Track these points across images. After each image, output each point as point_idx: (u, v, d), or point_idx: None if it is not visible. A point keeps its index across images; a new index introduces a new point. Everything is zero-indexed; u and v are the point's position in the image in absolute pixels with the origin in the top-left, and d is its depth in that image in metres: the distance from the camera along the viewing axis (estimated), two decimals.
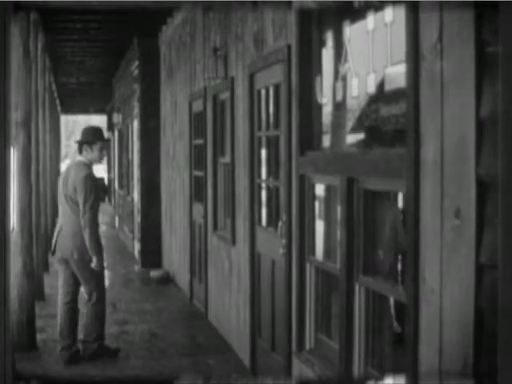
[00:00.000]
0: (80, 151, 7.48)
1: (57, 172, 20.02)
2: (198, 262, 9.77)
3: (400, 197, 3.99)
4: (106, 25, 12.69)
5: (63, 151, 43.14)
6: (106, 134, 21.12)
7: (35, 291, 8.49)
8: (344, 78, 4.61)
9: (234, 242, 7.55)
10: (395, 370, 3.93)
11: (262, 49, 6.32)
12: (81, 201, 7.15)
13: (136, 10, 10.77)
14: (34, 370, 6.94)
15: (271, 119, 6.40)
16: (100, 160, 7.60)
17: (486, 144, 2.75)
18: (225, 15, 7.88)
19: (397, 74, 3.75)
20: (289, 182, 5.53)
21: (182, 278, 11.10)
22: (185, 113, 10.63)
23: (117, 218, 20.65)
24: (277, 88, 6.06)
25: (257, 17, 6.47)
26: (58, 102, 25.75)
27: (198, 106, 9.60)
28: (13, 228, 7.54)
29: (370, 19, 4.16)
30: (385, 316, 4.27)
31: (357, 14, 4.34)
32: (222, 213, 8.44)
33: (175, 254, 11.88)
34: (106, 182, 29.80)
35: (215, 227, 8.69)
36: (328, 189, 5.07)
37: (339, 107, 4.73)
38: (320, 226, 5.18)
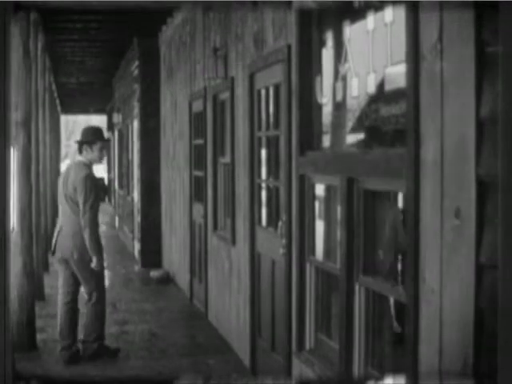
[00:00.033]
0: (80, 151, 7.48)
1: (57, 172, 20.02)
2: (198, 262, 9.77)
3: (400, 197, 3.99)
4: (106, 25, 12.69)
5: (63, 151, 43.15)
6: (106, 134, 21.12)
7: (35, 291, 8.49)
8: (344, 78, 4.61)
9: (234, 241, 7.55)
10: (395, 370, 3.93)
11: (262, 49, 6.32)
12: (81, 201, 7.15)
13: (136, 10, 10.77)
14: (34, 370, 6.94)
15: (271, 119, 6.40)
16: (100, 160, 7.59)
17: (485, 144, 2.75)
18: (225, 15, 7.88)
19: (397, 73, 3.75)
20: (289, 182, 5.53)
21: (182, 278, 11.10)
22: (185, 113, 10.63)
23: (117, 218, 20.65)
24: (277, 88, 6.06)
25: (257, 17, 6.47)
26: (58, 101, 25.76)
27: (198, 105, 9.60)
28: (13, 228, 7.54)
29: (370, 19, 4.16)
30: (385, 316, 4.27)
31: (357, 14, 4.34)
32: (222, 213, 8.44)
33: (175, 254, 11.88)
34: (106, 182, 29.80)
35: (215, 227, 8.69)
36: (328, 189, 5.07)
37: (339, 107, 4.73)
38: (320, 226, 5.18)
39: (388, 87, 3.96)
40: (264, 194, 6.70)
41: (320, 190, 5.20)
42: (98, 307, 7.38)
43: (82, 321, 7.43)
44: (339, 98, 4.70)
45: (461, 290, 2.90)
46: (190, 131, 10.24)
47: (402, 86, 3.59)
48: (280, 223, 5.80)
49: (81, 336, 7.40)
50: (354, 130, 4.51)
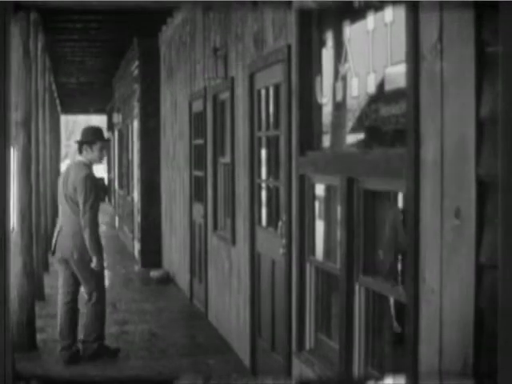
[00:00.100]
0: (80, 151, 7.48)
1: (57, 172, 20.02)
2: (198, 262, 9.77)
3: (400, 197, 3.99)
4: (106, 25, 12.69)
5: (63, 151, 43.16)
6: (106, 134, 21.12)
7: (35, 291, 8.49)
8: (344, 78, 4.61)
9: (234, 241, 7.55)
10: (395, 370, 3.93)
11: (262, 49, 6.32)
12: (81, 201, 7.15)
13: (136, 10, 10.77)
14: (34, 370, 6.94)
15: (271, 119, 6.40)
16: (100, 160, 7.59)
17: (486, 144, 2.75)
18: (225, 15, 7.88)
19: (397, 73, 3.75)
20: (289, 182, 5.53)
21: (182, 278, 11.10)
22: (185, 113, 10.63)
23: (117, 218, 20.65)
24: (277, 88, 6.06)
25: (257, 17, 6.47)
26: (58, 101, 25.75)
27: (197, 105, 9.60)
28: (13, 228, 7.54)
29: (370, 19, 4.16)
30: (385, 316, 4.27)
31: (357, 14, 4.34)
32: (222, 213, 8.44)
33: (175, 254, 11.89)
34: (106, 182, 29.80)
35: (215, 227, 8.69)
36: (328, 189, 5.07)
37: (339, 107, 4.73)
38: (320, 226, 5.18)
39: (388, 87, 3.96)
40: (264, 193, 6.69)
41: (320, 190, 5.20)
42: (97, 307, 7.38)
43: (82, 321, 7.43)
44: (339, 97, 4.70)
45: (461, 289, 2.90)
46: (190, 131, 10.24)
47: (402, 86, 3.59)
48: (280, 223, 5.80)
49: (81, 336, 7.40)
50: (354, 129, 4.51)
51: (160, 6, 10.69)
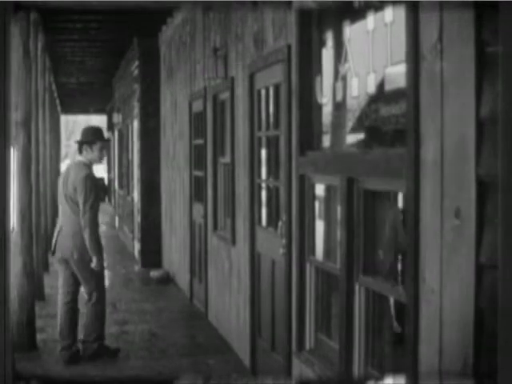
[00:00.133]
0: (80, 151, 7.48)
1: (57, 172, 20.02)
2: (198, 262, 9.77)
3: (400, 197, 3.99)
4: (106, 25, 12.69)
5: (63, 151, 43.15)
6: (106, 134, 21.11)
7: (35, 291, 8.49)
8: (344, 78, 4.61)
9: (234, 241, 7.55)
10: (395, 370, 3.93)
11: (262, 49, 6.32)
12: (81, 201, 7.15)
13: (136, 10, 10.77)
14: (34, 370, 6.94)
15: (271, 119, 6.40)
16: (100, 160, 7.60)
17: (486, 144, 2.75)
18: (225, 15, 7.88)
19: (397, 73, 3.75)
20: (289, 182, 5.53)
21: (182, 278, 11.10)
22: (185, 113, 10.63)
23: (117, 218, 20.65)
24: (277, 88, 6.06)
25: (257, 17, 6.47)
26: (58, 101, 25.75)
27: (197, 105, 9.60)
28: (13, 228, 7.54)
29: (370, 19, 4.16)
30: (385, 316, 4.27)
31: (357, 14, 4.34)
32: (222, 213, 8.44)
33: (175, 254, 11.88)
34: (106, 182, 29.80)
35: (215, 227, 8.69)
36: (328, 189, 5.07)
37: (339, 107, 4.73)
38: (320, 226, 5.18)
39: (388, 87, 3.96)
40: (264, 193, 6.69)
41: (320, 190, 5.20)
42: (97, 307, 7.38)
43: (82, 321, 7.43)
44: (339, 97, 4.70)
45: (461, 289, 2.90)
46: (190, 131, 10.24)
47: (401, 86, 3.59)
48: (280, 223, 5.80)
49: (81, 336, 7.40)
50: (354, 129, 4.51)
51: (160, 6, 10.68)
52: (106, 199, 28.98)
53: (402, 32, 3.47)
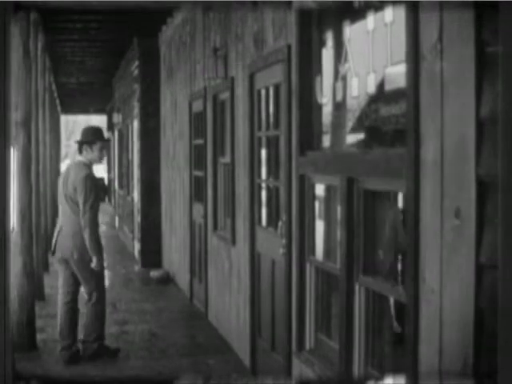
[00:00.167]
0: (80, 151, 7.48)
1: (57, 172, 20.02)
2: (198, 262, 9.77)
3: (400, 197, 3.99)
4: (106, 25, 12.69)
5: (63, 151, 43.15)
6: (106, 134, 21.11)
7: (35, 291, 8.49)
8: (344, 78, 4.60)
9: (234, 242, 7.55)
10: (395, 370, 3.93)
11: (262, 49, 6.32)
12: (81, 201, 7.15)
13: (136, 10, 10.77)
14: (34, 370, 6.94)
15: (271, 119, 6.40)
16: (100, 160, 7.60)
17: (486, 144, 2.75)
18: (225, 15, 7.88)
19: (397, 73, 3.75)
20: (289, 182, 5.53)
21: (182, 278, 11.10)
22: (185, 113, 10.63)
23: (117, 218, 20.65)
24: (277, 88, 6.06)
25: (257, 17, 6.47)
26: (58, 101, 25.75)
27: (197, 105, 9.60)
28: (13, 228, 7.54)
29: (370, 19, 4.16)
30: (385, 316, 4.27)
31: (357, 14, 4.34)
32: (222, 213, 8.43)
33: (175, 254, 11.88)
34: (106, 181, 29.79)
35: (215, 227, 8.69)
36: (328, 189, 5.07)
37: (339, 107, 4.73)
38: (320, 226, 5.18)
39: (388, 87, 3.96)
40: (264, 194, 6.69)
41: (320, 190, 5.20)
42: (97, 307, 7.38)
43: (82, 321, 7.43)
44: (339, 97, 4.70)
45: (461, 289, 2.90)
46: (190, 131, 10.24)
47: (401, 86, 3.59)
48: (280, 223, 5.80)
49: (81, 336, 7.40)
50: (354, 129, 4.51)
51: (160, 6, 10.68)
52: (106, 199, 28.98)
53: (402, 32, 3.47)
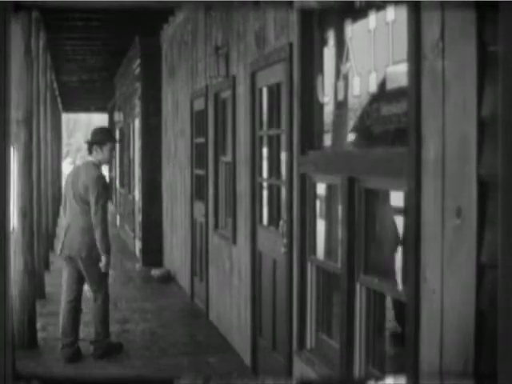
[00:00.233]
0: (90, 151, 7.52)
1: (58, 170, 20.01)
2: (199, 260, 9.77)
3: (392, 195, 3.99)
4: (108, 23, 12.68)
5: (64, 150, 43.18)
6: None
7: (36, 289, 8.49)
8: (346, 77, 4.60)
9: (235, 240, 7.54)
10: (396, 370, 3.92)
11: (263, 47, 6.32)
12: (93, 200, 7.18)
13: (137, 10, 10.76)
14: (35, 369, 6.93)
15: (273, 118, 6.39)
16: (109, 161, 7.69)
17: (487, 143, 2.75)
18: (226, 14, 7.87)
19: (398, 72, 3.74)
20: (290, 181, 5.53)
21: (183, 277, 11.10)
22: (186, 111, 10.63)
23: (118, 217, 20.65)
24: (278, 87, 6.05)
25: (258, 15, 6.46)
26: (59, 100, 25.76)
27: (199, 104, 9.60)
28: (13, 228, 7.53)
29: (372, 18, 4.15)
30: (385, 316, 4.27)
31: (358, 13, 4.33)
32: (223, 212, 8.43)
33: (176, 253, 11.88)
34: (108, 180, 29.78)
35: (216, 226, 8.69)
36: (329, 188, 5.06)
37: (341, 106, 4.73)
38: (321, 225, 5.18)
39: (389, 86, 3.96)
40: (265, 192, 6.69)
41: (321, 189, 5.19)
42: (104, 307, 7.40)
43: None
44: (341, 97, 4.69)
45: (462, 289, 2.89)
46: (192, 130, 10.24)
47: (403, 85, 3.58)
48: (281, 222, 5.79)
49: (90, 336, 7.44)
50: (356, 129, 4.50)
51: (161, 6, 10.68)
52: None
53: (403, 31, 3.46)
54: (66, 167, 34.28)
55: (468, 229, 2.84)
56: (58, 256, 8.08)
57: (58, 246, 7.99)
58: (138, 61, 13.77)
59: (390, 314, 5.22)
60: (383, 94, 4.02)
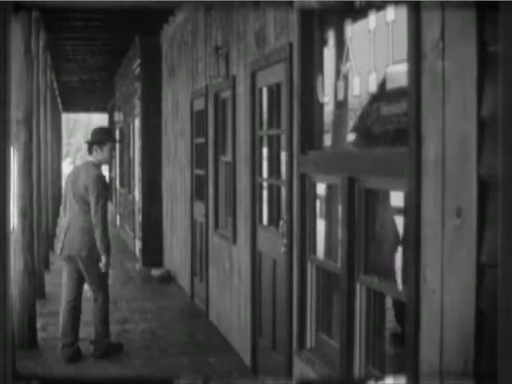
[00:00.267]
0: (90, 151, 7.53)
1: (58, 170, 20.01)
2: (199, 260, 9.77)
3: (392, 195, 3.99)
4: (108, 23, 12.69)
5: (64, 150, 43.19)
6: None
7: (36, 289, 8.49)
8: (346, 77, 4.60)
9: (235, 240, 7.54)
10: (396, 370, 3.92)
11: (263, 47, 6.32)
12: (93, 200, 7.18)
13: (136, 10, 10.76)
14: (35, 369, 6.93)
15: (273, 118, 6.39)
16: (109, 161, 7.68)
17: (487, 143, 2.74)
18: (226, 14, 7.87)
19: (398, 72, 3.74)
20: (290, 181, 5.53)
21: (183, 277, 11.10)
22: (186, 111, 10.63)
23: (118, 217, 20.65)
24: (278, 87, 6.05)
25: (258, 15, 6.46)
26: (59, 100, 25.76)
27: (199, 104, 9.60)
28: (13, 228, 7.54)
29: (372, 18, 4.15)
30: (385, 315, 4.27)
31: (358, 13, 4.33)
32: (223, 211, 8.43)
33: (176, 253, 11.88)
34: (108, 180, 29.78)
35: (216, 226, 8.69)
36: (329, 188, 5.06)
37: (341, 106, 4.73)
38: (321, 225, 5.18)
39: (389, 86, 3.96)
40: (265, 192, 6.69)
41: (321, 189, 5.19)
42: (104, 307, 7.40)
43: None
44: (341, 96, 4.69)
45: (462, 289, 2.89)
46: (192, 130, 10.24)
47: (403, 85, 3.58)
48: (281, 222, 5.79)
49: (90, 336, 7.43)
50: (356, 129, 4.50)
51: (161, 6, 10.68)
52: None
53: (403, 31, 3.46)
54: (66, 167, 34.29)
55: (468, 229, 2.84)
56: (58, 256, 8.08)
57: (57, 245, 7.98)
58: (138, 61, 13.77)
59: (390, 313, 5.23)
60: (383, 94, 4.02)
